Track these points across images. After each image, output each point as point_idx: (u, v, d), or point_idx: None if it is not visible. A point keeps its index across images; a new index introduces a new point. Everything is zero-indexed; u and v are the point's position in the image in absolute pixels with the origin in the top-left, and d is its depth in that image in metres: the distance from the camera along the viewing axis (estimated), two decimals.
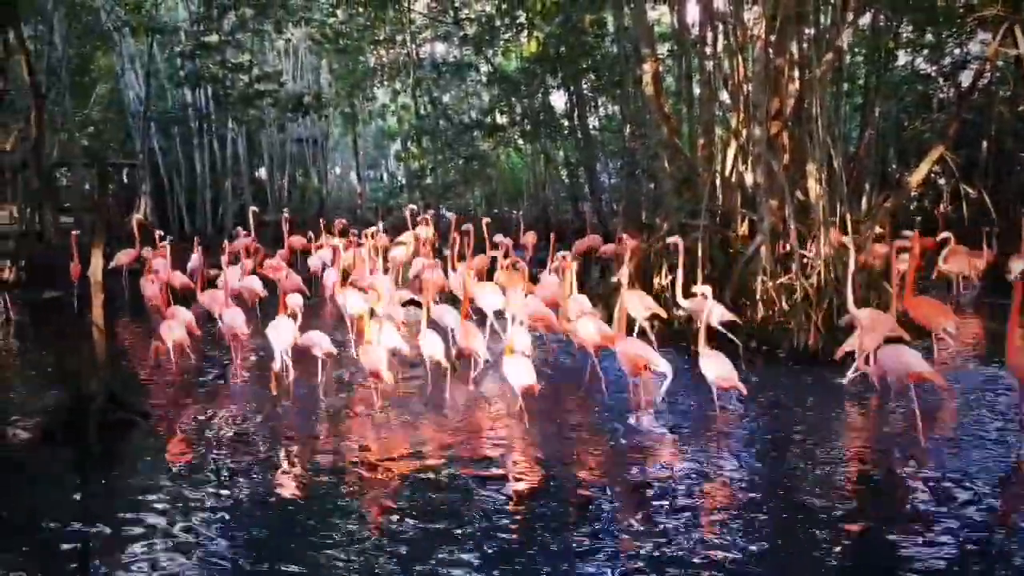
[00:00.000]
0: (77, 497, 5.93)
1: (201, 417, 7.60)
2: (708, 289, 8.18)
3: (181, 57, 20.49)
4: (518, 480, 6.00)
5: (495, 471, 6.14)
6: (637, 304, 9.40)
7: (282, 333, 8.20)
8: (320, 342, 8.33)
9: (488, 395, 8.16)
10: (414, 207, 16.68)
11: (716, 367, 7.27)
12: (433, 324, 8.79)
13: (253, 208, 15.58)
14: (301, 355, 8.44)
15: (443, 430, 7.17)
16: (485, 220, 13.65)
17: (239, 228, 15.02)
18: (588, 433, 7.08)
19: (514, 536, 5.11)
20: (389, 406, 7.80)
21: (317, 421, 7.54)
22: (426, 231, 14.80)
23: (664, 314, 9.71)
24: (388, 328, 8.45)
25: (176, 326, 8.94)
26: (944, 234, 12.03)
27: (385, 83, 24.11)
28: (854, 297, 8.57)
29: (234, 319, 9.13)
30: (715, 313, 8.62)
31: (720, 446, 6.67)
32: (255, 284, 11.75)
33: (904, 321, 8.54)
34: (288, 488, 5.98)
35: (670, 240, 9.94)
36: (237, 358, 9.36)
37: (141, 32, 20.71)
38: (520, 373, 7.28)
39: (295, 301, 10.00)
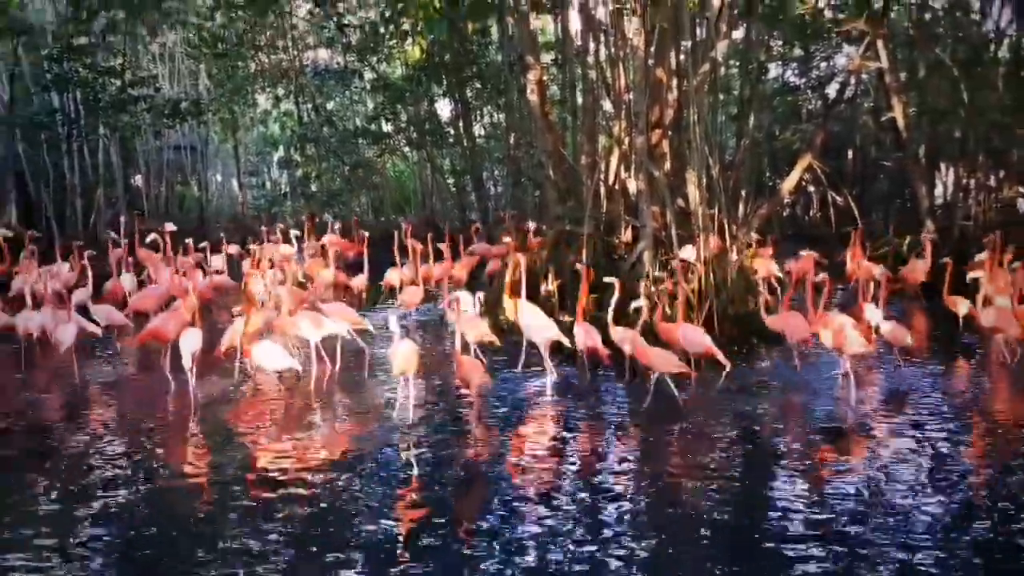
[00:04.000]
0: None
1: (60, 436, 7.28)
2: None
3: (48, 59, 19.58)
4: None
5: None
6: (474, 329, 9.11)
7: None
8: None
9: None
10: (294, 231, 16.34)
11: None
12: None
13: (137, 211, 14.90)
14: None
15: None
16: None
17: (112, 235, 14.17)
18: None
19: None
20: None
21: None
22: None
23: (497, 341, 9.24)
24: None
25: None
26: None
27: (267, 89, 23.66)
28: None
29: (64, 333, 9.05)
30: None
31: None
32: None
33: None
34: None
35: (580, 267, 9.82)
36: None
37: (5, 33, 19.72)
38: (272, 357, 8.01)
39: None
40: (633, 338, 8.21)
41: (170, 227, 12.78)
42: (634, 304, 8.50)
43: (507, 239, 11.40)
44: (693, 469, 6.29)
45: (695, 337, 8.55)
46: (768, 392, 8.35)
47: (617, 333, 8.44)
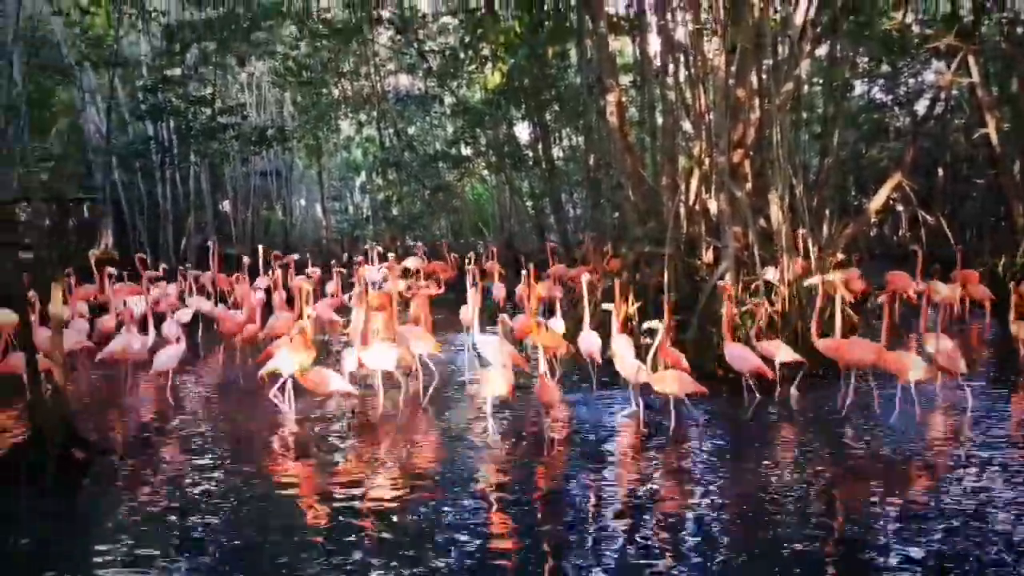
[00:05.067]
0: (34, 540, 5.78)
1: (160, 453, 7.47)
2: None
3: (143, 91, 20.38)
4: None
5: None
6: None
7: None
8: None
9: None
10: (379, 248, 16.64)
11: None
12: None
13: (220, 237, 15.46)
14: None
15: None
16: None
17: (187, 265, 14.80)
18: None
19: None
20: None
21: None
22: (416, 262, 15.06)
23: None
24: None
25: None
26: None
27: (349, 115, 24.14)
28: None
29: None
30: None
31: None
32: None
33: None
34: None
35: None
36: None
37: (102, 66, 20.60)
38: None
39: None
40: (644, 369, 8.06)
41: (292, 256, 13.16)
42: (647, 324, 8.41)
43: (524, 268, 11.34)
44: (781, 497, 6.13)
45: (742, 355, 8.44)
46: (841, 419, 8.10)
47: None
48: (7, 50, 18.42)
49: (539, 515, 5.97)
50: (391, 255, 15.15)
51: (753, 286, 9.98)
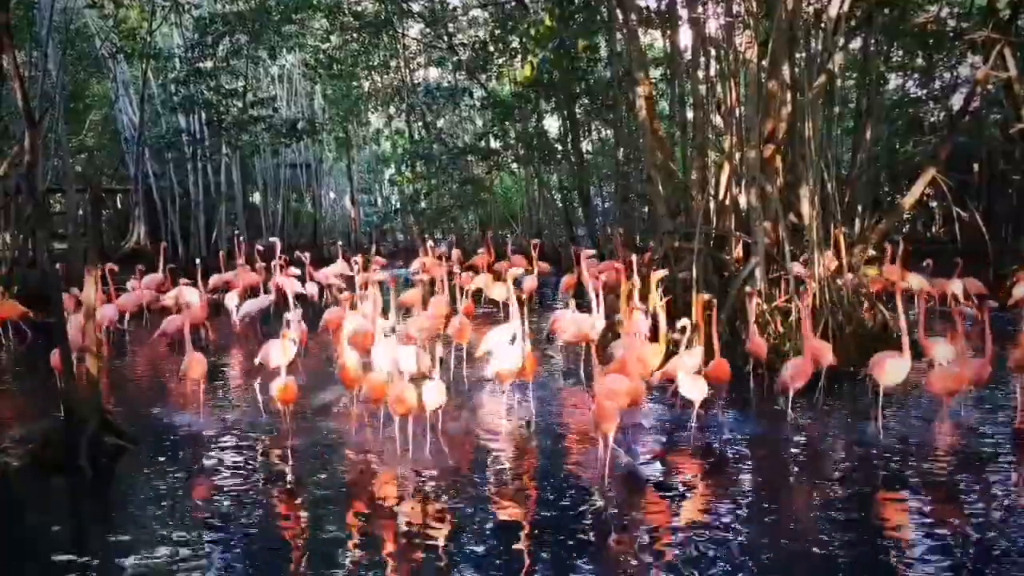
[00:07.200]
0: (68, 526, 5.86)
1: (191, 443, 7.53)
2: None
3: (175, 83, 20.55)
4: None
5: None
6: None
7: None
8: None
9: None
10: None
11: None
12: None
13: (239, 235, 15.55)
14: None
15: None
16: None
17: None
18: None
19: None
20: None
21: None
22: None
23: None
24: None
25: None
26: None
27: (379, 108, 24.20)
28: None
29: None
30: None
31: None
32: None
33: None
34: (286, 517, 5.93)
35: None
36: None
37: (136, 58, 20.79)
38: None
39: None
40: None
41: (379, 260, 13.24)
42: (680, 323, 8.22)
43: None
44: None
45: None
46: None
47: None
48: (43, 42, 18.64)
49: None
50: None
51: (782, 282, 9.88)
